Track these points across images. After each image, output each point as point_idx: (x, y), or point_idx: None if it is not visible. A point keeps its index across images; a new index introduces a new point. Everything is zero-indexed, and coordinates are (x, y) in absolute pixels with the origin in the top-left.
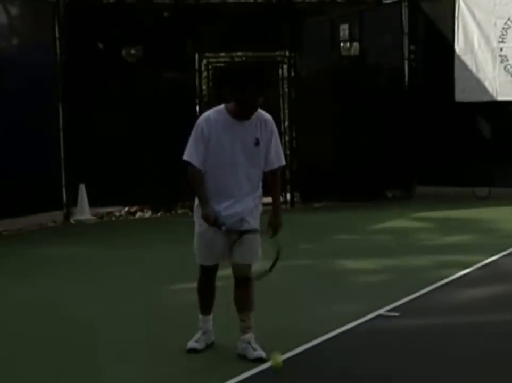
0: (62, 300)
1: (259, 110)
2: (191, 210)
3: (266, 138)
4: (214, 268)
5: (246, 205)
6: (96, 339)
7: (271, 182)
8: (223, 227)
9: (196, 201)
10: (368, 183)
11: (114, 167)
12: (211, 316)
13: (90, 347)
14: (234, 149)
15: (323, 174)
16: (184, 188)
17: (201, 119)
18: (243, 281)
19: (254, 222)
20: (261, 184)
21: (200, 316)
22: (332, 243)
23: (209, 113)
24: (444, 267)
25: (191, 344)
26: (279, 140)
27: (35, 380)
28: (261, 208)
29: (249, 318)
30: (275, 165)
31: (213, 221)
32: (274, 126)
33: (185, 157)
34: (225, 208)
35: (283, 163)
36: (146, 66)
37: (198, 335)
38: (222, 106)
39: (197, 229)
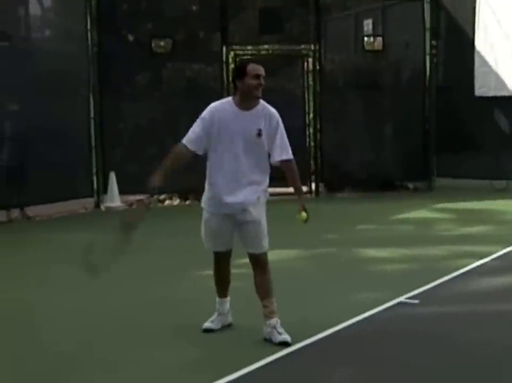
0: (91, 285)
1: (266, 104)
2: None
3: (270, 131)
4: (226, 253)
5: (249, 195)
6: (123, 322)
7: (286, 174)
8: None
9: (206, 187)
10: (390, 174)
11: (143, 156)
12: (228, 298)
13: (117, 330)
14: (237, 136)
15: (346, 165)
16: None
17: (207, 108)
18: (260, 269)
19: (256, 213)
20: (267, 178)
21: (217, 298)
22: (354, 232)
23: (215, 103)
24: (462, 257)
25: (207, 324)
26: (285, 135)
27: (70, 356)
28: (264, 199)
29: (271, 303)
30: (279, 158)
31: (150, 190)
32: (280, 121)
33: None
34: (228, 195)
35: (290, 157)
36: (175, 58)
37: (214, 316)
38: (230, 97)
39: (203, 215)
